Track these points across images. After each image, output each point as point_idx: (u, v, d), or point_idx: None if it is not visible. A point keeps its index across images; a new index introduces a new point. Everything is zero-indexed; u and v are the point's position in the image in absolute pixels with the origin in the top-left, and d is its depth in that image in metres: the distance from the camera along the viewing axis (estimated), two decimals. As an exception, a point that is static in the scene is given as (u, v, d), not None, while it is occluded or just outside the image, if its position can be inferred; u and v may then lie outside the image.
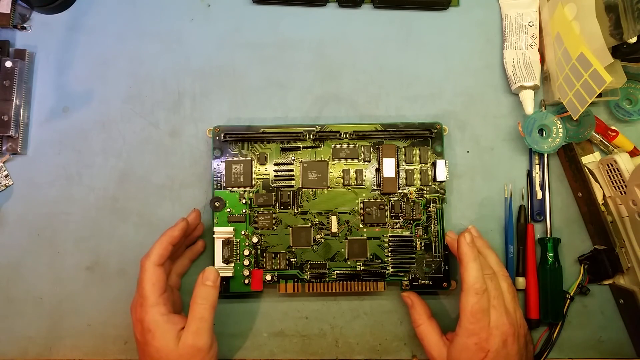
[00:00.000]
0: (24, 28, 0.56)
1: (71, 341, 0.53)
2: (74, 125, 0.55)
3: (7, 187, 0.54)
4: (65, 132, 0.55)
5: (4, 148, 0.53)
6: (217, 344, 0.46)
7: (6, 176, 0.54)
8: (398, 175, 0.52)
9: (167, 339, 0.44)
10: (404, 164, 0.52)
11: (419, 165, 0.52)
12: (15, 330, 0.53)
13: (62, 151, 0.54)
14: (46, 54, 0.56)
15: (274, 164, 0.52)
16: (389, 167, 0.52)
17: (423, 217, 0.52)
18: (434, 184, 0.52)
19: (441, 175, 0.52)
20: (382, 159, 0.52)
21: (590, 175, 0.52)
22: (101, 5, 0.56)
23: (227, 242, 0.51)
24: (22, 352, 0.53)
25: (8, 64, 0.53)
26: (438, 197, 0.52)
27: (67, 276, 0.53)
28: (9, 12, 0.54)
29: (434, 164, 0.52)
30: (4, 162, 0.54)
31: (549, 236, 0.53)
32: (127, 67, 0.56)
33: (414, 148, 0.53)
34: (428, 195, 0.52)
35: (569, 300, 0.52)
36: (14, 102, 0.53)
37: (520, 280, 0.52)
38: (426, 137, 0.53)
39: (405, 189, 0.52)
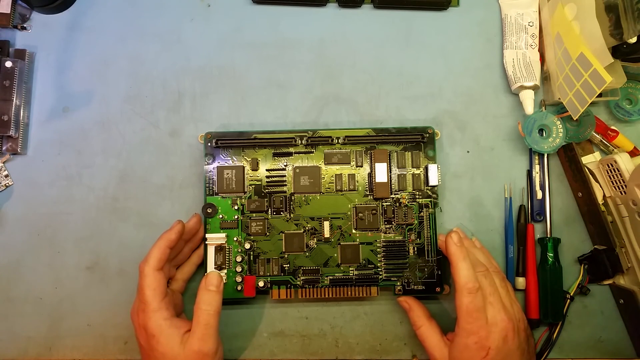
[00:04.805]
0: (24, 28, 0.56)
1: (71, 341, 0.53)
2: (74, 125, 0.55)
3: (7, 187, 0.54)
4: (65, 132, 0.55)
5: (4, 148, 0.53)
6: (222, 347, 0.46)
7: (6, 176, 0.54)
8: (390, 180, 0.52)
9: (172, 344, 0.43)
10: (396, 168, 0.52)
11: (411, 170, 0.52)
12: (15, 330, 0.53)
13: (62, 151, 0.54)
14: (46, 54, 0.56)
15: (266, 170, 0.52)
16: (381, 172, 0.51)
17: (415, 221, 0.52)
18: (427, 189, 0.52)
19: (433, 179, 0.51)
20: (374, 164, 0.52)
21: (590, 175, 0.52)
22: (101, 5, 0.56)
23: (219, 249, 0.50)
24: (22, 352, 0.53)
25: (8, 64, 0.53)
26: (430, 201, 0.52)
27: (67, 276, 0.53)
28: (9, 12, 0.54)
29: (426, 169, 0.52)
30: (4, 162, 0.54)
31: (549, 236, 0.53)
32: (127, 67, 0.56)
33: (406, 153, 0.52)
34: (420, 200, 0.52)
35: (569, 300, 0.52)
36: (14, 102, 0.53)
37: (520, 280, 0.52)
38: (418, 141, 0.52)
39: (397, 194, 0.52)
